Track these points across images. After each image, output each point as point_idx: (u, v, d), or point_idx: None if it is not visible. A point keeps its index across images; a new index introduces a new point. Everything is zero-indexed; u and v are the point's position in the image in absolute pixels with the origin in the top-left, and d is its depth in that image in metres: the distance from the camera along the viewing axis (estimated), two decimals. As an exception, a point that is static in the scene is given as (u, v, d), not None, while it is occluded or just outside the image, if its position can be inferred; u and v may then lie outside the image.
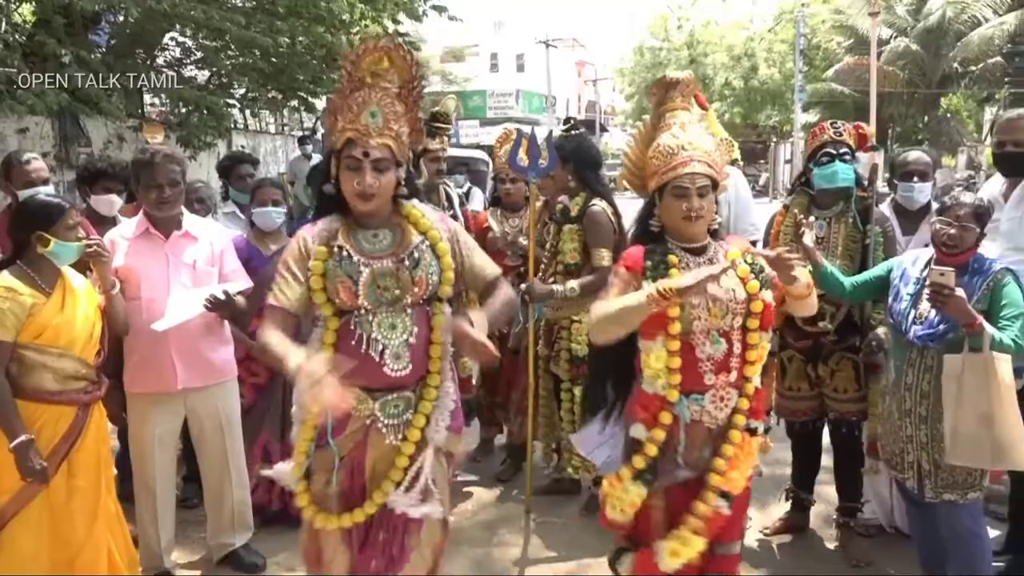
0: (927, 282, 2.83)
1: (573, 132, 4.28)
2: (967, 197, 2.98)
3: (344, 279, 2.30)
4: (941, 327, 2.88)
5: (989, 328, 2.77)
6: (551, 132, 4.32)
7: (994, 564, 3.21)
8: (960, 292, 2.74)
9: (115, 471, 3.24)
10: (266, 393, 3.98)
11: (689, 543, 2.48)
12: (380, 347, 2.31)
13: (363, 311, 2.32)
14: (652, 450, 2.47)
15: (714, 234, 2.59)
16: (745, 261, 2.51)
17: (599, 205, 3.94)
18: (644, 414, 2.50)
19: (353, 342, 2.32)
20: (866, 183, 3.59)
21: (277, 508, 4.00)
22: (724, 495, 2.49)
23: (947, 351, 2.85)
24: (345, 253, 2.33)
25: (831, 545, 3.87)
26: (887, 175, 4.20)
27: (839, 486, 3.81)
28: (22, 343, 2.82)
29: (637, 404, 2.54)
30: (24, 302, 2.80)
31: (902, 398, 3.03)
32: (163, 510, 3.48)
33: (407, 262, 2.34)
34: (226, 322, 3.56)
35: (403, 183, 2.41)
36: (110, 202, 4.07)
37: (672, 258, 2.47)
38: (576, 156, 4.03)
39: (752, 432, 2.56)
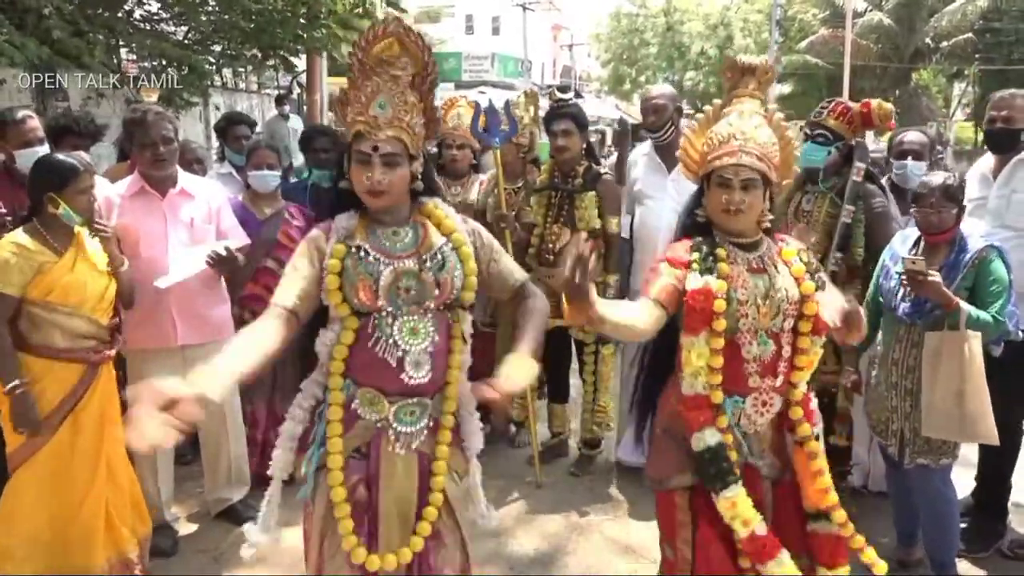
0: (902, 270, 2.97)
1: (573, 98, 4.34)
2: (936, 179, 3.05)
3: (364, 278, 2.12)
4: (927, 304, 3.01)
5: (965, 306, 2.92)
6: (508, 101, 4.40)
7: (961, 525, 3.40)
8: (935, 275, 2.88)
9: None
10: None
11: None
12: (400, 353, 2.13)
13: (384, 313, 2.14)
14: (734, 455, 2.32)
15: (768, 232, 2.44)
16: (800, 260, 2.40)
17: (610, 173, 4.05)
18: (703, 416, 2.31)
19: (370, 344, 2.13)
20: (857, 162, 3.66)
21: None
22: (822, 515, 2.39)
23: (932, 328, 2.99)
24: (364, 252, 2.14)
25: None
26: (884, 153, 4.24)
27: (827, 453, 3.91)
28: (31, 300, 2.86)
29: (687, 410, 2.35)
30: (33, 259, 2.84)
31: (889, 371, 3.17)
32: (162, 465, 3.54)
33: (430, 264, 2.17)
34: (223, 281, 3.61)
35: (419, 178, 2.22)
36: (79, 159, 4.02)
37: (721, 251, 2.33)
38: (585, 123, 4.14)
39: (816, 439, 2.44)
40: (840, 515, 2.38)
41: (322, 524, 2.21)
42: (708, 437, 2.29)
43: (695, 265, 2.31)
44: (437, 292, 2.17)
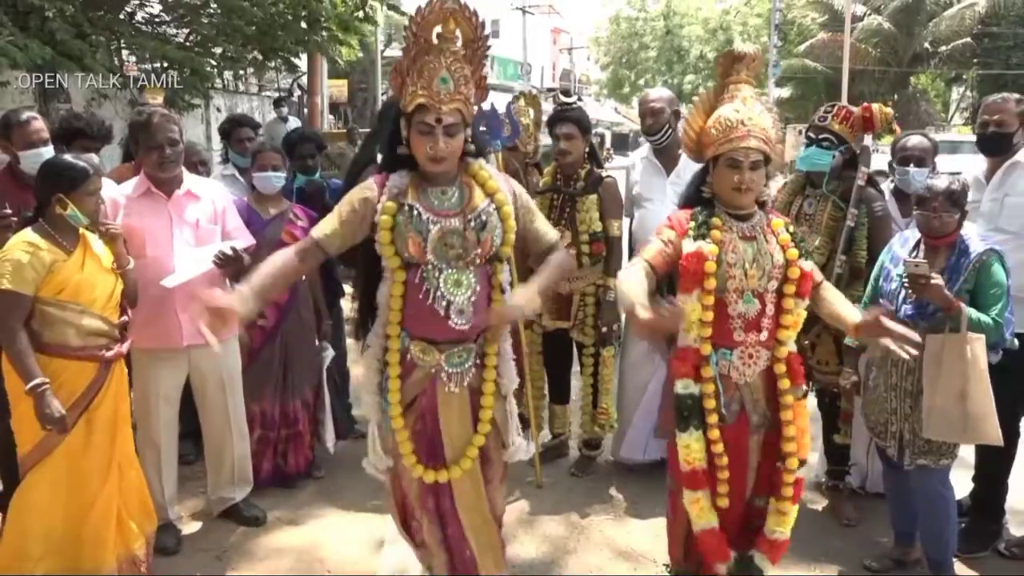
0: (905, 273, 3.01)
1: (577, 102, 4.34)
2: (940, 183, 3.07)
3: (414, 235, 2.38)
4: (929, 307, 3.03)
5: (967, 309, 2.94)
6: (509, 104, 4.41)
7: (959, 526, 3.42)
8: (937, 278, 2.91)
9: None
10: (264, 354, 4.02)
11: (789, 511, 2.69)
12: (446, 302, 2.41)
13: (430, 266, 2.41)
14: (711, 403, 2.60)
15: (762, 205, 2.72)
16: (787, 230, 2.66)
17: (612, 176, 4.09)
18: (685, 367, 2.62)
19: (420, 295, 2.42)
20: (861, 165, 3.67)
21: (270, 470, 4.08)
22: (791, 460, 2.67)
23: (933, 330, 3.00)
24: (415, 211, 2.40)
25: (811, 507, 4.05)
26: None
27: (827, 452, 3.93)
28: (43, 299, 2.88)
29: (676, 360, 2.66)
30: (44, 258, 2.86)
31: (889, 373, 3.18)
32: (166, 464, 3.56)
33: (474, 223, 2.43)
34: (228, 281, 3.63)
35: (469, 141, 2.48)
36: (89, 161, 4.05)
37: (716, 220, 2.61)
38: (588, 127, 4.15)
39: (801, 397, 2.71)
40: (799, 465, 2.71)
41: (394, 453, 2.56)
42: (681, 387, 2.62)
43: (691, 232, 2.61)
44: (479, 249, 2.44)
